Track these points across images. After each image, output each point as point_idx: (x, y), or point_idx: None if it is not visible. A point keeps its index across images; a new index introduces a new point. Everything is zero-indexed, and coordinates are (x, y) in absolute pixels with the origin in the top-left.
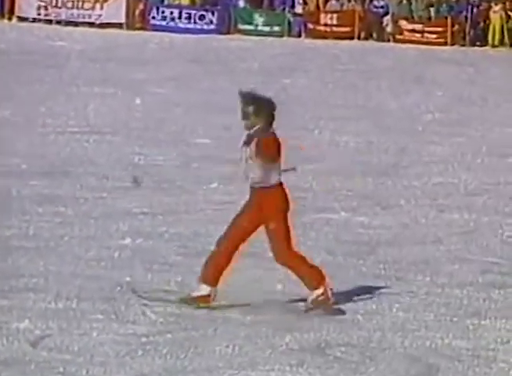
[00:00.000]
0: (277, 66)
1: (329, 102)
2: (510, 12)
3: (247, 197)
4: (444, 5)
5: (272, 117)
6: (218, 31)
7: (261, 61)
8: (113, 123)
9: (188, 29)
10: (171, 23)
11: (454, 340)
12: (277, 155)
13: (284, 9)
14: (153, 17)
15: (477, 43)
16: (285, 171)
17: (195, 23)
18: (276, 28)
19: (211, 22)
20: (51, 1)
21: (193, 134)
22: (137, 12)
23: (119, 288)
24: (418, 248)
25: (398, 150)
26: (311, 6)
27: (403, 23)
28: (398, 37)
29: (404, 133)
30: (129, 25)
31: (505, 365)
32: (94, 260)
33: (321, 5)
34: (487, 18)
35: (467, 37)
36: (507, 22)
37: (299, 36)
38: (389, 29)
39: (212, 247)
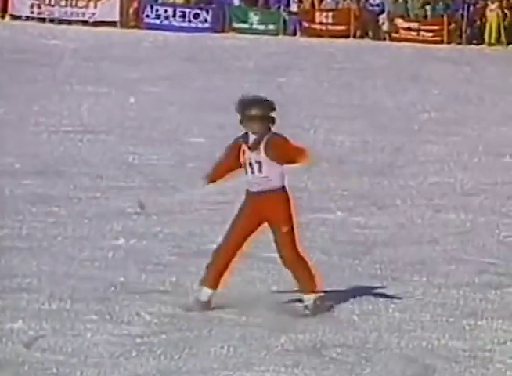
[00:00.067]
0: (272, 65)
1: (325, 101)
2: (506, 11)
3: (243, 197)
4: (440, 4)
5: (274, 119)
6: (212, 30)
7: (256, 60)
8: (106, 122)
9: (182, 27)
10: (165, 22)
11: (450, 340)
12: (288, 155)
13: (279, 7)
14: (147, 15)
15: (474, 41)
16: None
17: (189, 21)
18: (271, 27)
19: (206, 20)
20: (44, 0)
21: (188, 133)
22: (131, 10)
23: (113, 289)
24: (414, 248)
25: (393, 149)
26: (307, 4)
27: (399, 22)
28: (393, 35)
29: (400, 132)
30: (123, 23)
31: (502, 366)
32: (87, 260)
33: (316, 4)
34: (483, 16)
35: (464, 36)
36: (504, 20)
37: (294, 34)
38: (385, 27)
39: (207, 247)
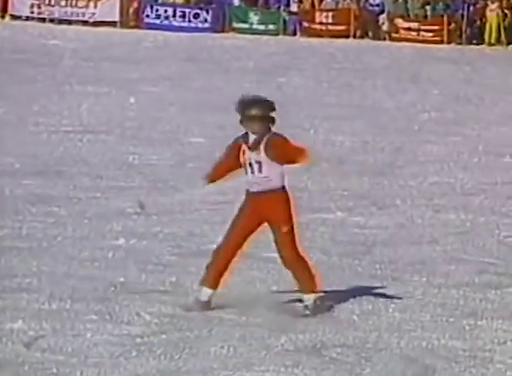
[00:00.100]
0: (272, 65)
1: (325, 101)
2: (506, 11)
3: (243, 197)
4: (440, 4)
5: (274, 119)
6: (212, 30)
7: (256, 60)
8: (106, 122)
9: (182, 27)
10: (165, 22)
11: (450, 341)
12: (288, 155)
13: (279, 7)
14: (147, 15)
15: (474, 41)
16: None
17: (189, 21)
18: (271, 27)
19: (206, 20)
20: (44, 0)
21: (188, 133)
22: (131, 10)
23: (113, 289)
24: (414, 248)
25: (393, 149)
26: (307, 5)
27: (399, 22)
28: (393, 35)
29: (400, 132)
30: (123, 23)
31: (502, 366)
32: (87, 260)
33: (316, 4)
34: (483, 16)
35: (464, 36)
36: (504, 20)
37: (294, 34)
38: (385, 27)
39: (207, 248)
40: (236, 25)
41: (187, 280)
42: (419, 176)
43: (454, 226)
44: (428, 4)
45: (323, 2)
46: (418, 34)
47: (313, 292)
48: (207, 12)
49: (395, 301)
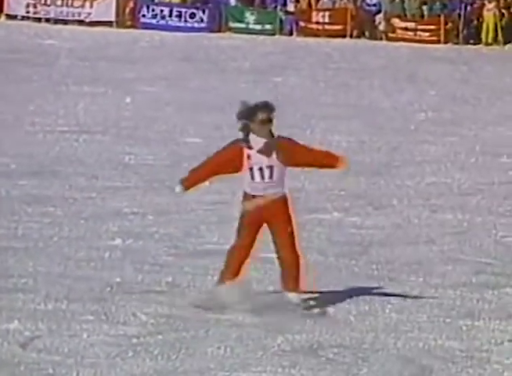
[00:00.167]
0: (268, 65)
1: (321, 101)
2: (503, 10)
3: (239, 197)
4: (437, 3)
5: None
6: (208, 30)
7: (253, 60)
8: (102, 122)
9: (178, 27)
10: (162, 22)
11: (447, 341)
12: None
13: (276, 7)
14: (144, 15)
15: (471, 41)
16: None
17: (185, 21)
18: (268, 26)
19: (202, 20)
20: None
21: (184, 133)
22: (127, 10)
23: (109, 289)
24: (411, 249)
25: (390, 149)
26: (303, 4)
27: (396, 22)
28: (390, 35)
29: (396, 132)
30: (119, 23)
31: (499, 366)
32: (84, 261)
33: (313, 3)
34: (480, 16)
35: (461, 36)
36: (501, 20)
37: (291, 34)
38: (382, 27)
39: (203, 248)
40: (232, 25)
41: (183, 280)
42: (416, 176)
43: (451, 226)
44: (425, 3)
45: (320, 2)
46: (415, 34)
47: (295, 291)
48: (204, 11)
49: (392, 301)
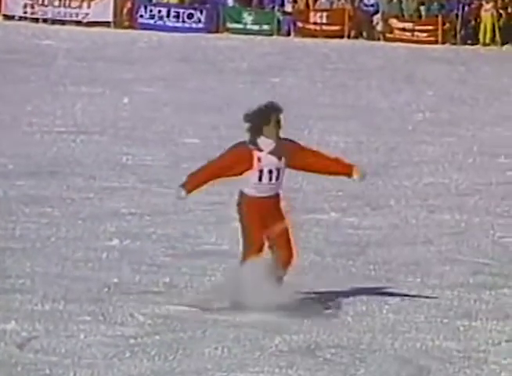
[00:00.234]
0: (266, 66)
1: (319, 101)
2: (501, 11)
3: (236, 197)
4: (434, 4)
5: None
6: (206, 30)
7: (250, 60)
8: (100, 122)
9: (176, 28)
10: (160, 22)
11: (445, 341)
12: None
13: (273, 7)
14: (141, 16)
15: (468, 42)
16: None
17: (183, 21)
18: (265, 27)
19: (200, 20)
20: (37, 0)
21: (182, 134)
22: (125, 10)
23: (106, 290)
24: (408, 249)
25: (388, 149)
26: (301, 5)
27: (393, 22)
28: (388, 35)
29: (394, 133)
30: (117, 24)
31: (496, 367)
32: (81, 261)
33: (310, 4)
34: (478, 16)
35: (458, 36)
36: (498, 20)
37: (288, 35)
38: (379, 28)
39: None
40: (230, 25)
41: (181, 280)
42: (413, 177)
43: (449, 227)
44: (423, 4)
45: (318, 2)
46: (412, 35)
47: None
48: (201, 12)
49: (390, 302)
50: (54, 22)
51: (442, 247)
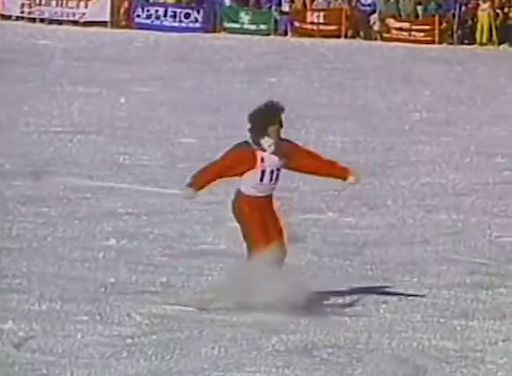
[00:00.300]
0: (263, 65)
1: (316, 101)
2: (498, 10)
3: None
4: (431, 4)
5: None
6: (203, 30)
7: (247, 60)
8: (97, 122)
9: (173, 27)
10: (157, 22)
11: (441, 341)
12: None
13: (271, 7)
14: (138, 15)
15: (465, 41)
16: None
17: (180, 21)
18: (262, 26)
19: (197, 20)
20: (34, 0)
21: (178, 133)
22: (122, 10)
23: (103, 289)
24: (405, 249)
25: (385, 149)
26: (298, 4)
27: (390, 22)
28: (385, 35)
29: (391, 133)
30: (114, 23)
31: (493, 366)
32: (78, 261)
33: (308, 4)
34: (475, 16)
35: (455, 36)
36: (495, 20)
37: (285, 34)
38: (376, 27)
39: (198, 248)
40: (227, 25)
41: (178, 280)
42: (410, 176)
43: (445, 227)
44: (420, 4)
45: (315, 2)
46: (409, 34)
47: None
48: (198, 12)
49: (387, 301)
50: (51, 22)
51: (439, 246)
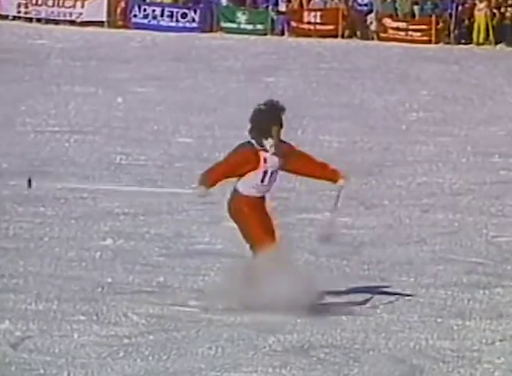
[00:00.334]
0: (260, 65)
1: (313, 101)
2: (494, 10)
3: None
4: (428, 3)
5: None
6: (200, 30)
7: (244, 60)
8: (94, 122)
9: (170, 27)
10: (153, 22)
11: (438, 341)
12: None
13: (267, 6)
14: (135, 15)
15: (462, 41)
16: None
17: (177, 21)
18: (259, 26)
19: (194, 20)
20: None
21: (175, 133)
22: (118, 10)
23: (100, 289)
24: (402, 249)
25: (381, 149)
26: (295, 4)
27: (387, 21)
28: (382, 35)
29: (388, 132)
30: (110, 23)
31: (490, 366)
32: (75, 261)
33: (304, 3)
34: (471, 16)
35: (452, 35)
36: (492, 20)
37: (282, 34)
38: (373, 27)
39: (194, 248)
40: (223, 25)
41: (175, 280)
42: (407, 176)
43: (442, 226)
44: (416, 3)
45: (311, 2)
46: (406, 34)
47: None
48: (195, 11)
49: (383, 301)
50: (48, 21)
51: (436, 246)
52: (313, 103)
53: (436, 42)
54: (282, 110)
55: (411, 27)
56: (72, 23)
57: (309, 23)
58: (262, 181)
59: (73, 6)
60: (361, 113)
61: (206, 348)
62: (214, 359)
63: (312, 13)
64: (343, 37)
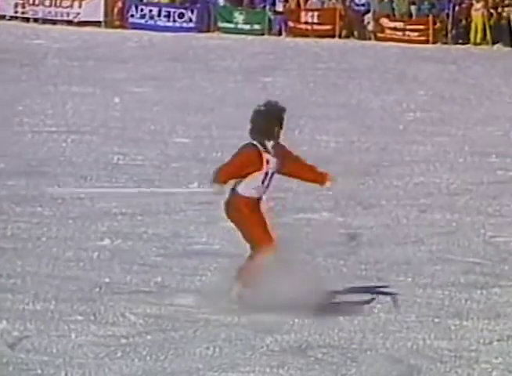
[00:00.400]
0: (257, 65)
1: (310, 101)
2: (491, 10)
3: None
4: (425, 3)
5: None
6: (197, 29)
7: (241, 60)
8: (91, 122)
9: (167, 27)
10: (150, 22)
11: (436, 341)
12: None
13: (265, 6)
14: (132, 15)
15: (459, 41)
16: None
17: (174, 21)
18: (257, 26)
19: (191, 20)
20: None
21: (172, 133)
22: (115, 10)
23: (98, 289)
24: (399, 249)
25: (379, 149)
26: (292, 4)
27: (384, 21)
28: (379, 35)
29: (385, 132)
30: (108, 23)
31: (487, 366)
32: (72, 261)
33: (302, 3)
34: (469, 16)
35: (449, 36)
36: (489, 20)
37: (279, 34)
38: (370, 27)
39: (192, 248)
40: (221, 25)
41: (172, 280)
42: (404, 176)
43: (440, 226)
44: (414, 3)
45: (309, 2)
46: (403, 34)
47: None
48: (192, 11)
49: (381, 301)
50: (45, 21)
51: (433, 246)
52: (310, 102)
53: (433, 42)
54: (283, 111)
55: (408, 27)
56: (69, 23)
57: (306, 23)
58: (263, 182)
59: (71, 6)
60: (358, 113)
61: (203, 348)
62: (211, 359)
63: (310, 13)
64: (340, 37)
